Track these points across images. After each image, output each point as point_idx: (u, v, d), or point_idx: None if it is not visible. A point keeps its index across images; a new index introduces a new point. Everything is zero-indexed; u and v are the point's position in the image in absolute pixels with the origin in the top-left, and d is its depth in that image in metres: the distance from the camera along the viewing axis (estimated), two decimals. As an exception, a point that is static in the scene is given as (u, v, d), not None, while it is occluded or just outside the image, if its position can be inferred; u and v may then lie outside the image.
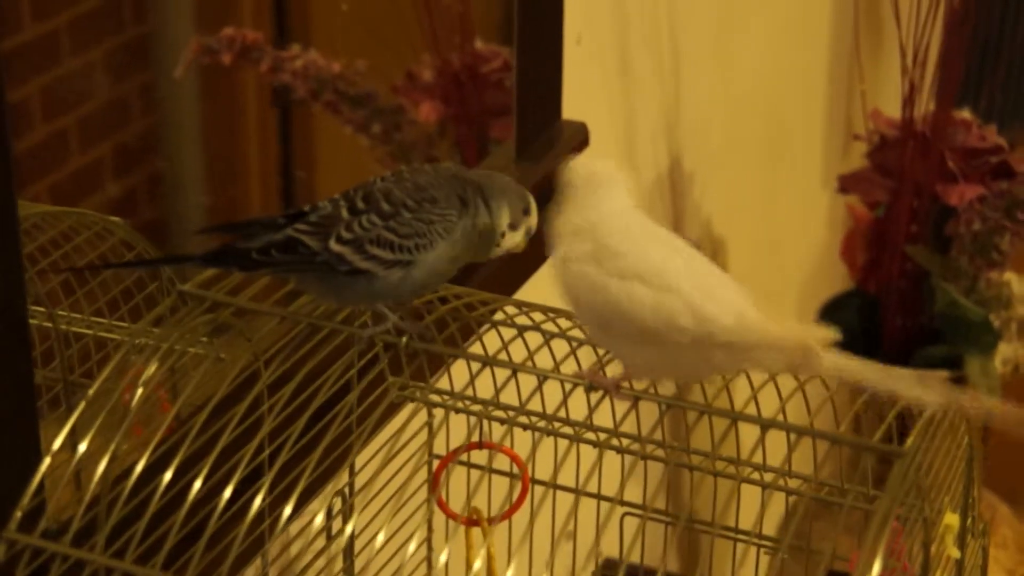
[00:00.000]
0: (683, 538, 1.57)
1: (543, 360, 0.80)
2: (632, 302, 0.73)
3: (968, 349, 1.71)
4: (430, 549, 0.98)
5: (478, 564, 0.73)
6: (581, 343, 0.81)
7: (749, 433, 0.78)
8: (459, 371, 0.85)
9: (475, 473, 0.93)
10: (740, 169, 1.74)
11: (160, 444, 0.72)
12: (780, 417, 0.75)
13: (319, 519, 0.75)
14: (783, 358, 0.73)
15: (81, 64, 0.89)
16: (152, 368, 0.73)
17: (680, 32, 1.52)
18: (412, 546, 0.72)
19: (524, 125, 1.19)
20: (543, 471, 0.83)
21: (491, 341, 0.83)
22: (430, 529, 0.97)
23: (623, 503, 0.87)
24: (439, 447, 0.94)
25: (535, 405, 0.79)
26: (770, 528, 0.87)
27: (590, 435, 0.83)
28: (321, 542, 0.89)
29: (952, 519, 0.79)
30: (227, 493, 0.71)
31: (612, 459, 0.84)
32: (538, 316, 0.84)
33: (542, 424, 0.81)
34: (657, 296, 0.72)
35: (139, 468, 0.70)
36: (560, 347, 0.82)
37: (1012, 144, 1.73)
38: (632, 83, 1.45)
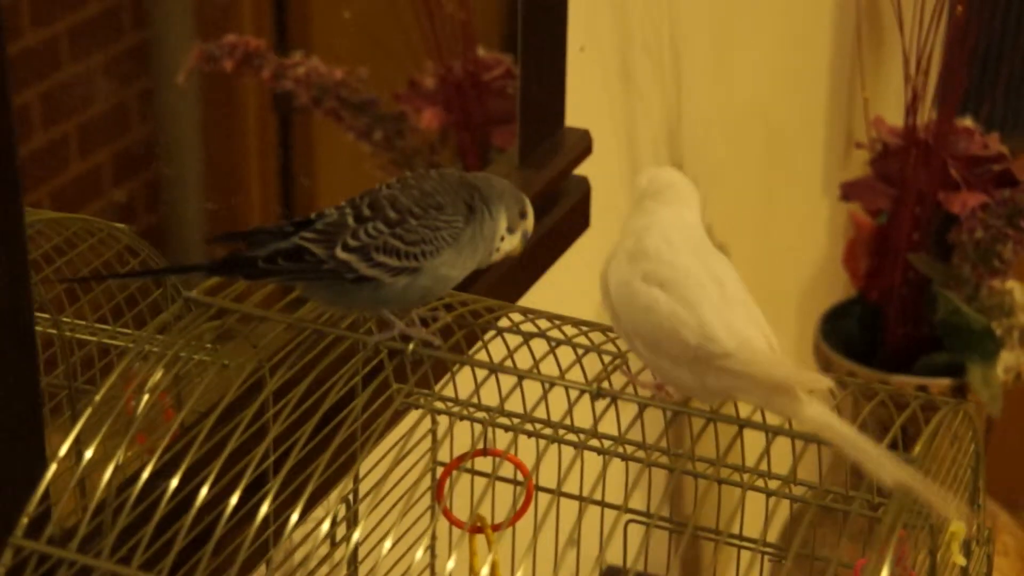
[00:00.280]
0: (688, 546, 1.57)
1: (549, 368, 0.80)
2: (649, 307, 0.74)
3: (970, 357, 1.71)
4: (434, 556, 0.98)
5: (483, 572, 0.73)
6: (587, 350, 0.81)
7: (755, 441, 0.78)
8: (464, 378, 0.85)
9: (480, 480, 0.93)
10: (742, 177, 1.74)
11: (166, 450, 0.72)
12: (786, 425, 0.75)
13: (324, 526, 0.75)
14: (768, 395, 0.73)
15: (82, 70, 0.89)
16: (157, 375, 0.73)
17: (682, 40, 1.52)
18: (416, 553, 0.71)
19: (527, 132, 1.19)
20: (548, 479, 0.83)
21: (496, 348, 0.83)
22: (434, 536, 0.97)
23: (628, 511, 0.87)
24: (444, 454, 0.94)
25: (540, 413, 0.79)
26: (775, 536, 0.87)
27: (595, 443, 0.83)
28: (325, 549, 0.89)
29: (958, 526, 0.79)
30: (233, 499, 0.71)
31: (617, 467, 0.84)
32: (544, 323, 0.84)
33: (547, 432, 0.81)
34: (671, 306, 0.73)
35: (145, 474, 0.70)
36: (566, 354, 0.82)
37: (1014, 152, 1.73)
38: (634, 91, 1.45)
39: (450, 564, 0.70)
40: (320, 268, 0.76)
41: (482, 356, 0.82)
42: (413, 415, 0.86)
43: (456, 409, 0.88)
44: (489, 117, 1.26)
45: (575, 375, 0.80)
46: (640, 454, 0.85)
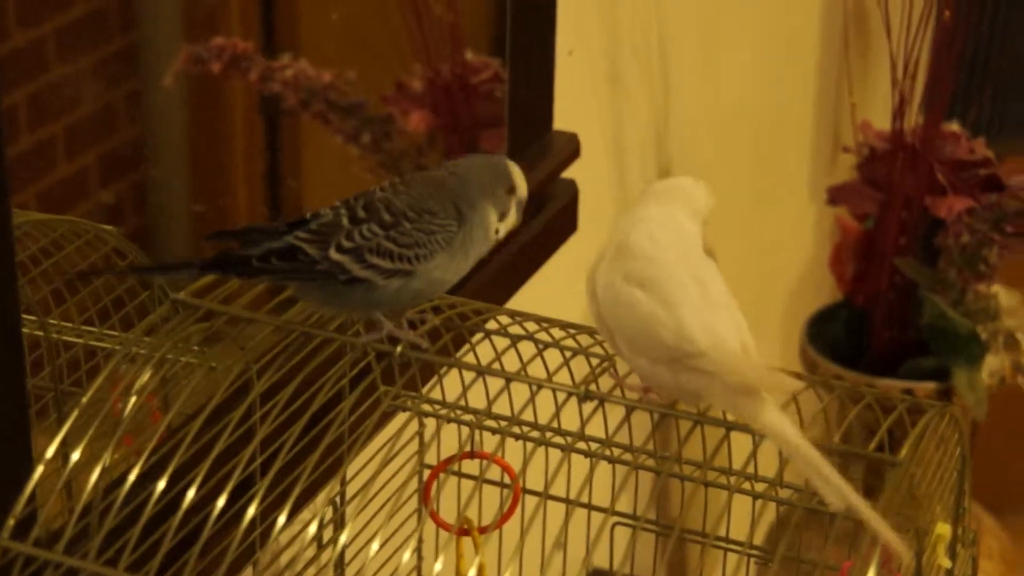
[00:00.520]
0: (674, 549, 1.57)
1: (536, 370, 0.80)
2: (629, 304, 0.74)
3: (955, 361, 1.72)
4: (421, 559, 0.98)
5: (470, 574, 0.73)
6: (575, 353, 0.81)
7: (742, 443, 0.78)
8: (452, 381, 0.85)
9: (467, 483, 0.93)
10: (729, 180, 1.74)
11: (153, 452, 0.72)
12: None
13: (311, 528, 0.75)
14: (734, 398, 0.72)
15: (69, 72, 0.88)
16: (144, 377, 0.73)
17: (670, 44, 1.52)
18: (404, 556, 0.71)
19: (515, 135, 1.19)
20: (535, 481, 0.83)
21: (484, 351, 0.83)
22: (421, 539, 0.97)
23: (615, 513, 0.87)
24: (431, 457, 0.94)
25: (528, 415, 0.79)
26: (761, 538, 0.88)
27: (582, 445, 0.83)
28: (312, 551, 0.89)
29: (943, 529, 0.79)
30: (220, 502, 0.71)
31: (604, 469, 0.85)
32: (532, 326, 0.84)
33: (534, 434, 0.81)
34: (651, 305, 0.73)
35: (132, 476, 0.70)
36: (553, 357, 0.82)
37: (1000, 157, 1.74)
38: (622, 94, 1.45)
39: (437, 566, 0.70)
40: (313, 268, 0.76)
41: (470, 359, 0.82)
42: (400, 417, 0.86)
43: (443, 412, 0.88)
44: (477, 120, 1.26)
45: (563, 378, 0.80)
46: (627, 457, 0.85)
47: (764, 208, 1.87)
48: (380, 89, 1.20)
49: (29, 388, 0.76)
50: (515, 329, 0.84)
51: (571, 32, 1.26)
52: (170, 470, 0.71)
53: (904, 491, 0.71)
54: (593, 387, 0.77)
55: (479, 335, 0.83)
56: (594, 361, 0.80)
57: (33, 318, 0.83)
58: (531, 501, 0.83)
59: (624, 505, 0.94)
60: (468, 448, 0.82)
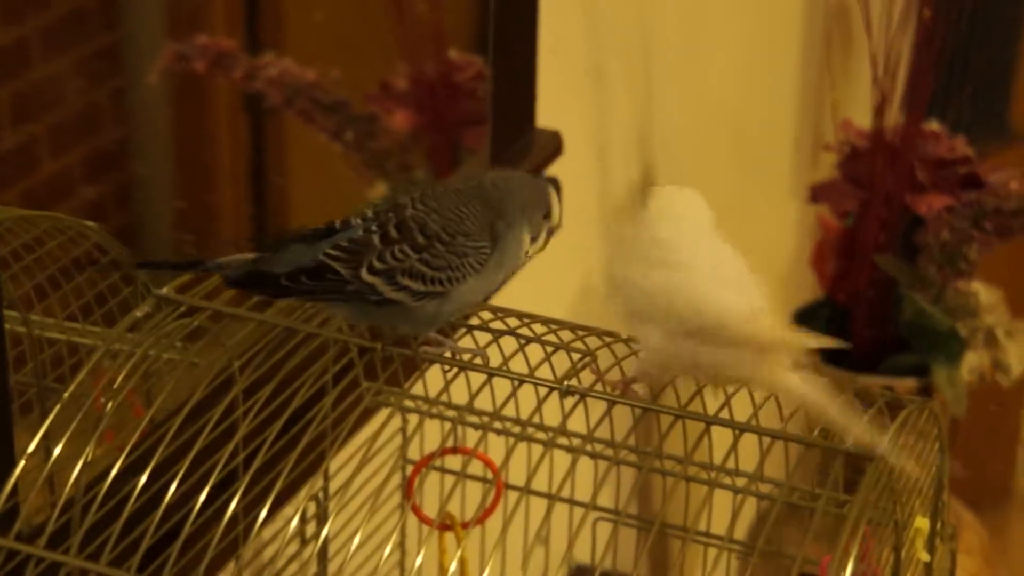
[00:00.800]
0: (655, 543, 1.57)
1: (518, 365, 0.81)
2: (666, 287, 0.77)
3: (935, 358, 1.72)
4: (403, 553, 0.98)
5: (452, 569, 0.73)
6: (556, 348, 0.82)
7: (722, 438, 0.79)
8: (434, 376, 0.85)
9: (449, 478, 0.94)
10: (711, 178, 1.75)
11: (135, 448, 0.72)
12: (753, 422, 0.76)
13: (293, 523, 0.75)
14: (755, 367, 0.76)
15: (53, 70, 0.88)
16: (126, 372, 0.73)
17: (653, 42, 1.53)
18: (386, 550, 0.72)
19: (498, 133, 1.19)
20: (517, 476, 0.83)
21: (466, 346, 0.83)
22: (403, 534, 0.97)
23: (596, 508, 0.88)
24: (413, 452, 0.94)
25: (509, 410, 0.79)
26: (741, 532, 0.88)
27: (564, 440, 0.83)
28: (295, 546, 0.89)
29: (922, 523, 0.79)
30: (202, 497, 0.71)
31: (586, 464, 0.85)
32: (513, 322, 0.84)
33: (516, 429, 0.81)
34: (685, 284, 0.77)
35: (114, 471, 0.70)
36: (535, 352, 0.82)
37: (980, 155, 1.75)
38: (605, 92, 1.46)
39: (418, 561, 0.70)
40: (344, 288, 0.75)
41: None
42: (383, 413, 0.86)
43: (425, 407, 0.88)
44: (460, 118, 1.27)
45: (544, 373, 0.80)
46: (608, 452, 0.85)
47: (746, 206, 1.88)
48: (364, 87, 1.21)
49: (12, 384, 0.76)
50: (497, 324, 0.84)
51: (554, 30, 1.27)
52: (152, 465, 0.71)
53: (883, 485, 0.72)
54: (574, 382, 0.78)
55: (462, 330, 0.83)
56: (575, 356, 0.81)
57: (16, 314, 0.83)
58: (514, 496, 0.83)
59: (607, 500, 0.94)
60: (450, 443, 0.82)
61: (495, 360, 0.81)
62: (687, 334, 0.76)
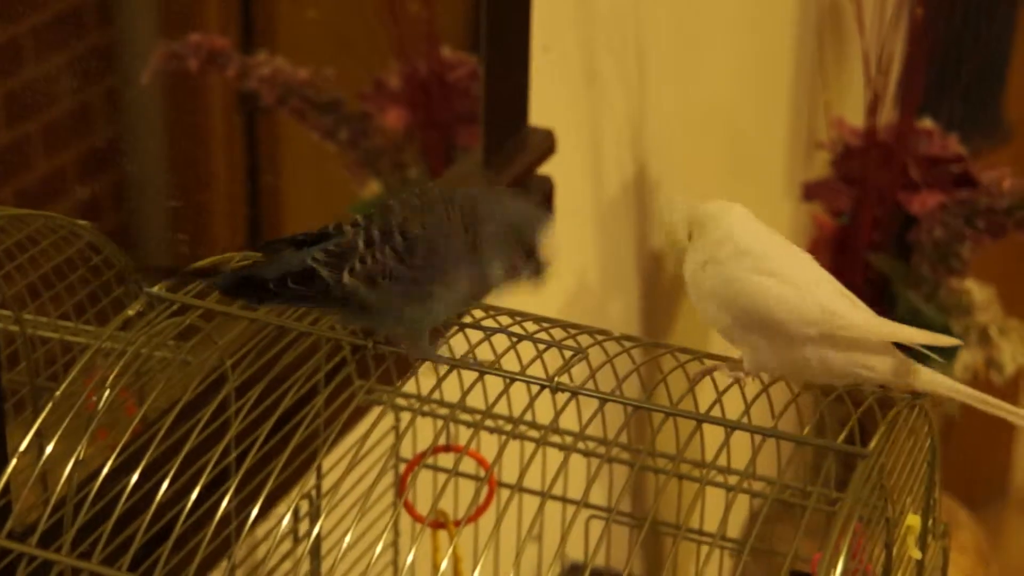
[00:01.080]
0: (650, 541, 1.57)
1: (510, 363, 0.81)
2: (766, 295, 0.79)
3: (929, 356, 1.72)
4: (396, 551, 0.99)
5: (444, 566, 0.73)
6: (548, 346, 0.82)
7: (714, 436, 0.79)
8: (426, 374, 0.86)
9: (441, 476, 0.94)
10: (705, 177, 1.75)
11: (127, 446, 0.72)
12: (745, 419, 0.76)
13: (286, 521, 0.75)
14: (861, 356, 0.80)
15: (46, 69, 0.89)
16: (118, 370, 0.73)
17: (646, 41, 1.53)
18: (379, 548, 0.72)
19: (491, 131, 1.19)
20: (509, 474, 0.83)
21: (458, 344, 0.83)
22: (397, 531, 0.98)
23: (588, 506, 0.88)
24: (406, 450, 0.95)
25: (501, 408, 0.79)
26: (734, 529, 0.88)
27: (556, 438, 0.84)
28: (288, 544, 0.89)
29: (914, 520, 0.79)
30: (194, 495, 0.71)
31: (578, 462, 0.85)
32: (505, 320, 0.84)
33: (508, 427, 0.81)
34: (788, 290, 0.79)
35: (106, 470, 0.70)
36: (527, 350, 0.82)
37: (973, 153, 1.75)
38: (598, 91, 1.46)
39: (409, 558, 0.70)
40: (328, 293, 0.74)
41: (444, 352, 0.82)
42: (376, 410, 0.86)
43: (418, 405, 0.88)
44: (454, 117, 1.27)
45: (536, 370, 0.80)
46: (601, 449, 0.85)
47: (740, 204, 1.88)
48: (357, 86, 1.21)
49: (5, 383, 0.76)
50: (489, 322, 0.84)
51: (546, 29, 1.27)
52: (143, 464, 0.71)
53: (873, 482, 0.72)
54: (565, 379, 0.78)
55: (453, 328, 0.83)
56: (567, 354, 0.81)
57: (9, 313, 0.83)
58: (506, 493, 0.83)
59: (600, 498, 0.94)
60: (443, 441, 0.82)
61: (488, 358, 0.81)
62: (798, 340, 0.79)
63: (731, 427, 0.75)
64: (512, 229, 0.75)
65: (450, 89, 1.25)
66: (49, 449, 0.70)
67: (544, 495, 0.74)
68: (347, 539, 0.71)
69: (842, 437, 0.74)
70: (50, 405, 0.71)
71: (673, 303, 1.71)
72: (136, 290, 0.85)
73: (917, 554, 0.81)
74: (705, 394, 0.79)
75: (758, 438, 0.76)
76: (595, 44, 1.43)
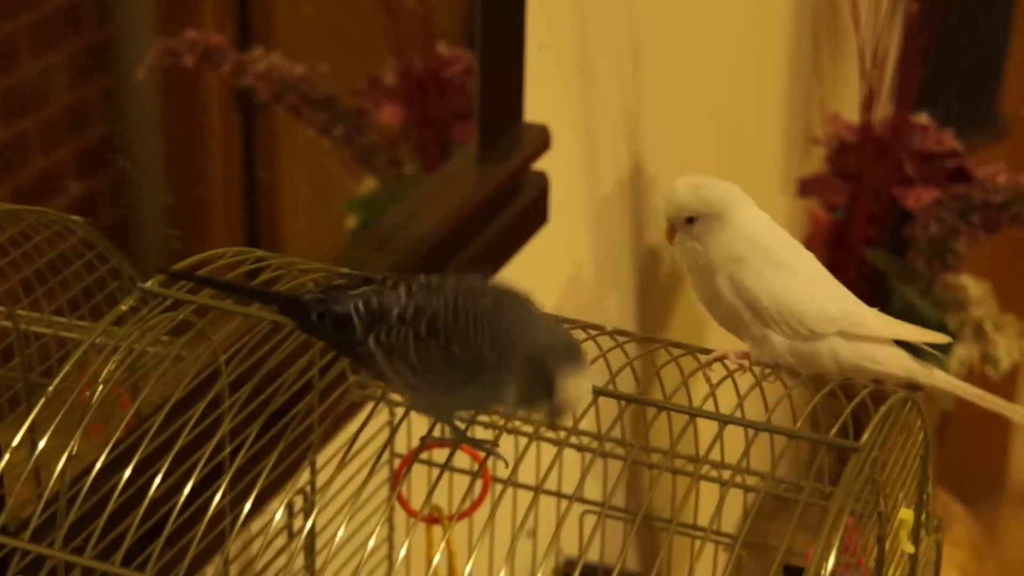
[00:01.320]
0: (643, 535, 1.57)
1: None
2: (789, 291, 0.81)
3: (924, 351, 1.73)
4: (391, 546, 0.99)
5: (437, 560, 0.73)
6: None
7: (709, 430, 0.79)
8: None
9: (436, 471, 0.94)
10: (701, 172, 1.75)
11: (120, 441, 0.73)
12: (738, 413, 0.76)
13: (280, 517, 0.75)
14: (889, 356, 0.84)
15: (42, 66, 0.89)
16: (111, 366, 0.73)
17: (641, 37, 1.53)
18: (372, 543, 0.72)
19: (486, 127, 1.20)
20: (503, 469, 0.83)
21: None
22: (391, 526, 0.98)
23: (582, 500, 0.88)
24: (400, 445, 0.95)
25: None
26: (730, 525, 0.88)
27: (549, 433, 0.84)
28: (283, 540, 0.90)
29: (906, 514, 0.80)
30: (187, 490, 0.71)
31: (573, 456, 0.85)
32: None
33: (502, 422, 0.81)
34: (810, 287, 0.82)
35: (99, 465, 0.70)
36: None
37: (968, 148, 1.75)
38: (593, 87, 1.46)
39: (402, 552, 0.70)
40: (355, 348, 0.72)
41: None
42: (370, 406, 0.86)
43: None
44: (449, 113, 1.27)
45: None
46: (594, 444, 0.85)
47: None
48: (353, 82, 1.21)
49: (-2, 378, 0.76)
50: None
51: (541, 25, 1.27)
52: (136, 459, 0.71)
53: (865, 476, 0.72)
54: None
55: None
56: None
57: (2, 308, 0.83)
58: (499, 488, 0.83)
59: (594, 493, 0.95)
60: (437, 436, 0.82)
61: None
62: (815, 334, 0.81)
63: (724, 421, 0.76)
64: (537, 361, 0.68)
65: (446, 85, 1.25)
66: (42, 444, 0.70)
67: (538, 490, 0.75)
68: (341, 534, 0.71)
69: (834, 431, 0.74)
70: (43, 400, 0.71)
71: (669, 299, 1.71)
72: (130, 285, 0.85)
73: (910, 548, 0.81)
74: (699, 388, 0.79)
75: (751, 432, 0.76)
76: (590, 40, 1.43)
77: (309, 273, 0.80)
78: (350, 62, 1.21)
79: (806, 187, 1.81)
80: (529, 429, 0.80)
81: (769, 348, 0.82)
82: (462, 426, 0.76)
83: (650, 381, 0.82)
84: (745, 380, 0.81)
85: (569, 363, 0.68)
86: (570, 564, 1.07)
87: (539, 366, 0.68)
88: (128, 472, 0.71)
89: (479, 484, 0.89)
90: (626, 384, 0.79)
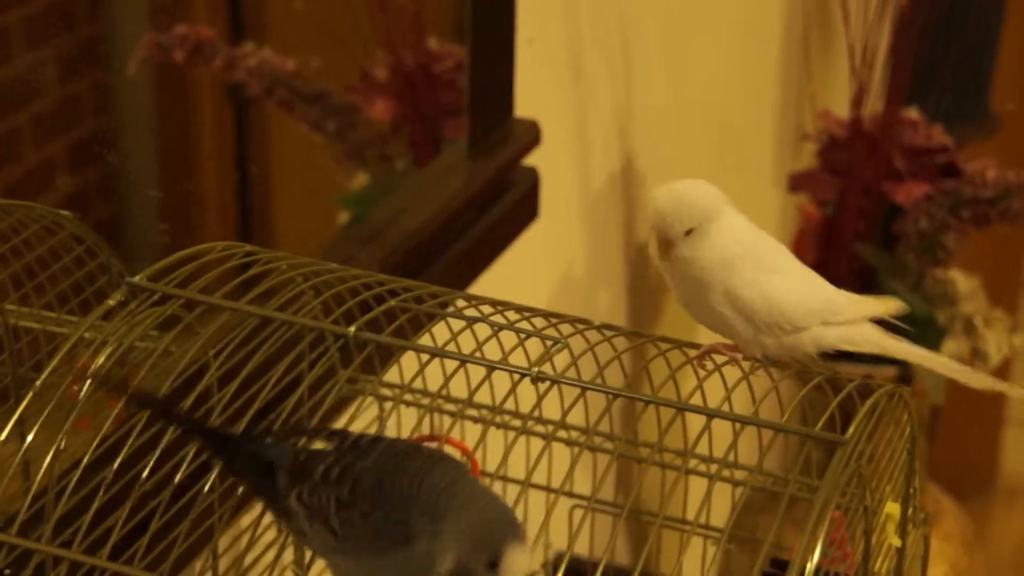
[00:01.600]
0: (631, 529, 1.58)
1: (492, 352, 0.81)
2: (778, 292, 0.83)
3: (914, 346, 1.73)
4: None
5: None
6: (529, 335, 0.82)
7: (697, 424, 0.79)
8: (409, 363, 0.86)
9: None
10: (692, 169, 1.75)
11: (109, 436, 0.73)
12: (725, 407, 0.76)
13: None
14: (867, 334, 0.86)
15: (34, 61, 0.89)
16: (100, 360, 0.73)
17: (631, 33, 1.53)
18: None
19: (476, 123, 1.20)
20: (492, 462, 0.84)
21: (440, 333, 0.83)
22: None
23: (570, 495, 0.88)
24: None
25: (483, 396, 0.80)
26: (718, 518, 0.89)
27: (538, 427, 0.84)
28: (272, 534, 0.90)
29: (893, 508, 0.80)
30: (174, 484, 0.71)
31: (561, 450, 0.85)
32: (487, 309, 0.84)
33: (490, 416, 0.81)
34: (795, 284, 0.84)
35: (87, 459, 0.71)
36: (509, 339, 0.82)
37: (958, 144, 1.76)
38: (584, 83, 1.46)
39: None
40: (279, 501, 0.69)
41: (426, 341, 0.83)
42: (358, 400, 0.86)
43: (400, 394, 0.88)
44: (440, 108, 1.27)
45: (518, 359, 0.80)
46: (582, 438, 0.86)
47: (727, 196, 1.88)
48: (345, 77, 1.21)
49: (-14, 373, 0.76)
50: (471, 312, 0.84)
51: (532, 20, 1.27)
52: (124, 453, 0.71)
53: (851, 470, 0.72)
54: (547, 368, 0.78)
55: (436, 318, 0.83)
56: (548, 343, 0.81)
57: (-9, 303, 0.83)
58: (488, 482, 0.83)
59: (583, 487, 0.95)
60: (426, 430, 0.82)
61: (468, 347, 0.81)
62: (800, 327, 0.84)
63: (711, 415, 0.76)
64: (481, 531, 0.64)
65: (436, 81, 1.25)
66: (30, 438, 0.70)
67: (526, 483, 0.75)
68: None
69: (820, 424, 0.75)
70: (31, 395, 0.71)
71: (660, 296, 1.71)
72: (119, 280, 0.85)
73: (897, 542, 0.81)
74: (687, 382, 0.80)
75: (739, 426, 0.77)
76: (581, 36, 1.43)
77: (298, 268, 0.80)
78: (342, 57, 1.21)
79: (797, 183, 1.81)
80: (517, 423, 0.80)
81: (757, 344, 0.85)
82: None
83: (639, 376, 0.83)
84: (733, 374, 0.81)
85: (513, 538, 0.64)
86: (559, 558, 1.07)
87: (483, 537, 0.63)
88: (116, 466, 0.71)
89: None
90: (615, 379, 0.79)
